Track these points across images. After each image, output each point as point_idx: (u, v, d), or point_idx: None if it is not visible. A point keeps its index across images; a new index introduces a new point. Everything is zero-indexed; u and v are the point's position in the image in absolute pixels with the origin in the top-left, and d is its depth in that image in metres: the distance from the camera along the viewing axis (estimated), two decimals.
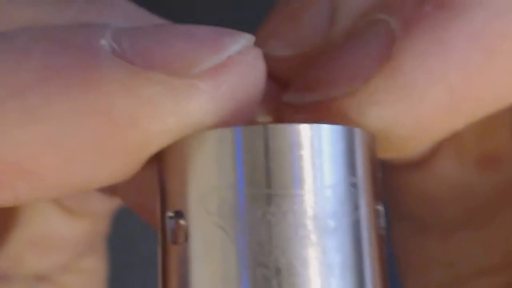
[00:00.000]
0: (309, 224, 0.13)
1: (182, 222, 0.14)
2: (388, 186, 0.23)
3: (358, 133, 0.14)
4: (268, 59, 0.15)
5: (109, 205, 0.24)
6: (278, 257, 0.13)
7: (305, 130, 0.14)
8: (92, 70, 0.14)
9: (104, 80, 0.14)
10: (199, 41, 0.14)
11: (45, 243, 0.24)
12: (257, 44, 0.16)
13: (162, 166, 0.15)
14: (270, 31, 0.17)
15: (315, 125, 0.14)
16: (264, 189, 0.13)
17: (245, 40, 0.15)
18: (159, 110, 0.14)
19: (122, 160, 0.14)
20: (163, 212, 0.15)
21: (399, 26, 0.15)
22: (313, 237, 0.13)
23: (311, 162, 0.14)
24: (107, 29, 0.14)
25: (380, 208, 0.15)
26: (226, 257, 0.13)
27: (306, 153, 0.14)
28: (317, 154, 0.14)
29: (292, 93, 0.16)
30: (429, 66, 0.15)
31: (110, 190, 0.21)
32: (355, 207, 0.14)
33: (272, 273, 0.13)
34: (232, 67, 0.14)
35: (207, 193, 0.14)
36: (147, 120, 0.14)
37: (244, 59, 0.14)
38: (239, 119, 0.15)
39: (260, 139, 0.14)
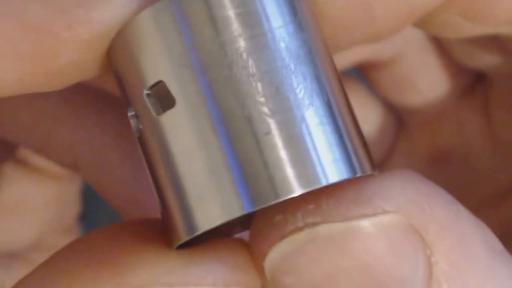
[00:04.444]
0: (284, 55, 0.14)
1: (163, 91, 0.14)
2: None
3: None
4: None
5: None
6: (265, 88, 0.14)
7: None
8: None
9: None
10: None
11: (15, 208, 0.24)
12: None
13: (116, 58, 0.15)
14: None
15: None
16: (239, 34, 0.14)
17: None
18: (71, 19, 0.14)
19: (34, 66, 0.14)
20: (135, 95, 0.15)
21: None
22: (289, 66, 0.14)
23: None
24: None
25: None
26: (223, 100, 0.14)
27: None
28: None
29: None
30: None
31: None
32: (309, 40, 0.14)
33: (266, 94, 0.14)
34: None
35: (185, 53, 0.14)
36: (59, 27, 0.14)
37: None
38: None
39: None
